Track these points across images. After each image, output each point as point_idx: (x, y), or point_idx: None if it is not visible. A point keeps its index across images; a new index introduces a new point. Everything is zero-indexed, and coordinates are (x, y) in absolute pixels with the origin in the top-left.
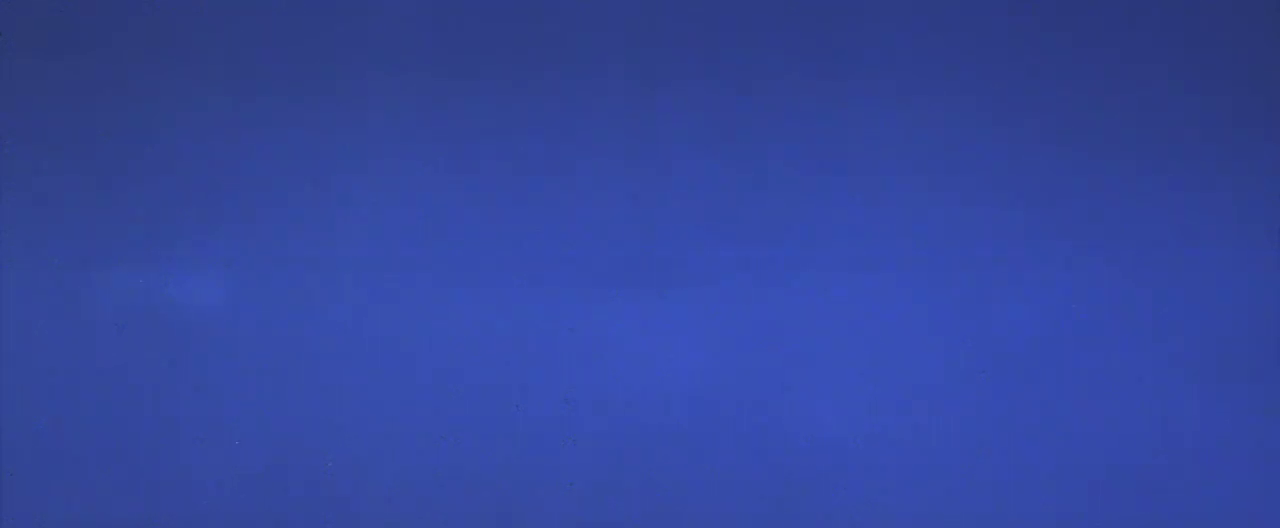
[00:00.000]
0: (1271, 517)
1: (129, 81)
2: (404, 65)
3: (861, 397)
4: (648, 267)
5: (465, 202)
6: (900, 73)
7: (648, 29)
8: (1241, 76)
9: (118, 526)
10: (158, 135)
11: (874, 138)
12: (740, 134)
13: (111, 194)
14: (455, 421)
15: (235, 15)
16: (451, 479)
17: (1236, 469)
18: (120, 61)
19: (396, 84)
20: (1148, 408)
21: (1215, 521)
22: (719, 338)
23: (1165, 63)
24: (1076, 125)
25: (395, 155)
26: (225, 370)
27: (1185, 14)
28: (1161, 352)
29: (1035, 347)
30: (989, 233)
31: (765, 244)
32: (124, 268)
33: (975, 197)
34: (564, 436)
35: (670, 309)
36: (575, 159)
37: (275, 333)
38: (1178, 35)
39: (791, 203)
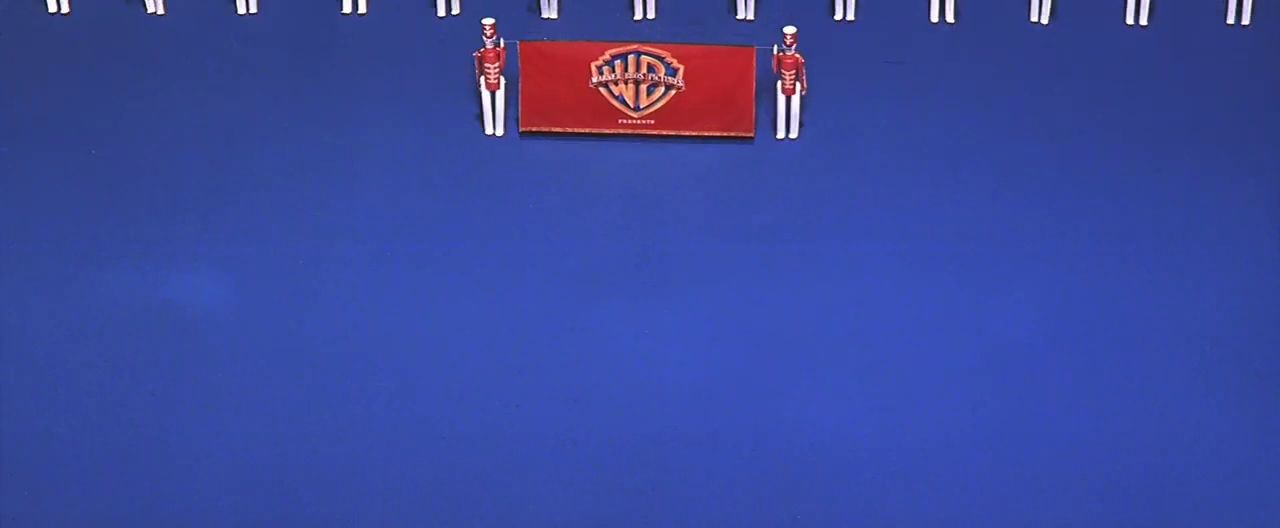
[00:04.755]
0: (1272, 517)
1: (130, 84)
2: (405, 68)
3: (861, 397)
4: (648, 267)
5: (466, 204)
6: (900, 73)
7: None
8: (1241, 81)
9: (118, 525)
10: (158, 137)
11: (873, 139)
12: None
13: (111, 194)
14: (456, 420)
15: (235, 19)
16: (452, 479)
17: (1237, 469)
18: (121, 65)
19: (397, 86)
20: (1148, 408)
21: (1216, 520)
22: (719, 338)
23: (1165, 66)
24: (1078, 129)
25: (395, 157)
26: (225, 370)
27: (1188, 18)
28: (1161, 352)
29: (1035, 347)
30: (989, 234)
31: (765, 245)
32: (124, 267)
33: (975, 199)
34: (564, 436)
35: (670, 310)
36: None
37: (275, 333)
38: (1179, 39)
39: (791, 205)
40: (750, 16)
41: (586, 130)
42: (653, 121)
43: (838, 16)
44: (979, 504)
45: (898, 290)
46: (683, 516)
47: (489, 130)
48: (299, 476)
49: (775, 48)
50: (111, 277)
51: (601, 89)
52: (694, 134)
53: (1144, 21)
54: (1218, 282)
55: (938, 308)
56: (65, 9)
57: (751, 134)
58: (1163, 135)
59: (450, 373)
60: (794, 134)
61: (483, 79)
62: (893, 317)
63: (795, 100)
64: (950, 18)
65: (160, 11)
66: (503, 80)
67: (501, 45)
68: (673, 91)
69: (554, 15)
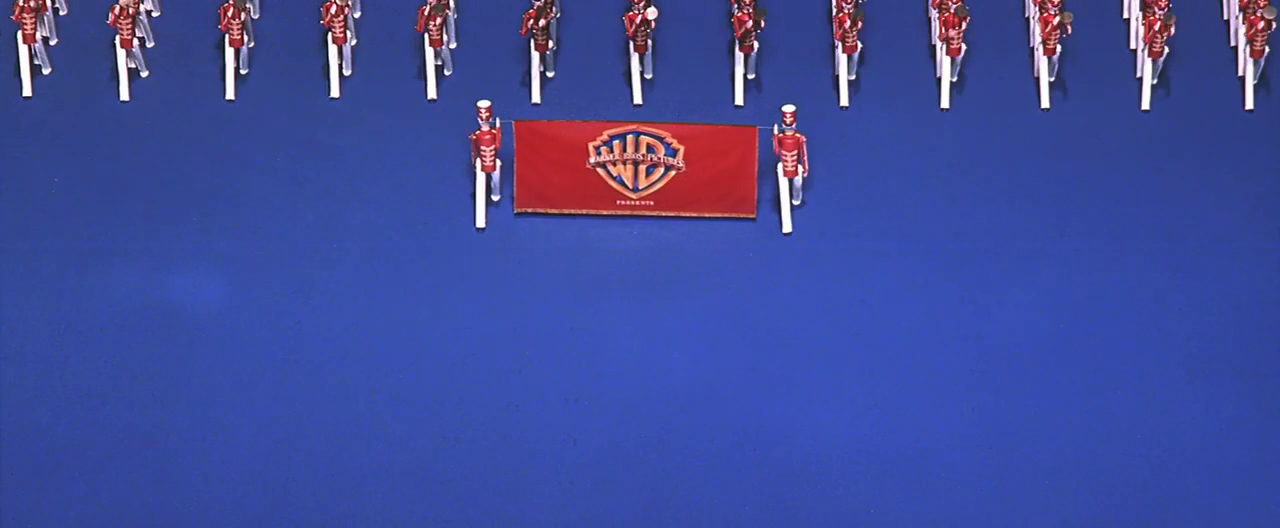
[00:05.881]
0: (1272, 517)
1: (132, 85)
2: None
3: (861, 397)
4: (648, 268)
5: (466, 203)
6: (900, 72)
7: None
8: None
9: (118, 525)
10: (158, 136)
11: (873, 137)
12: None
13: (112, 194)
14: (456, 421)
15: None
16: (453, 479)
17: (1236, 469)
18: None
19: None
20: (1147, 408)
21: (1214, 520)
22: (719, 339)
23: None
24: (1077, 127)
25: (395, 156)
26: (224, 370)
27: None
28: (1161, 352)
29: (1035, 348)
30: (989, 233)
31: (765, 246)
32: (124, 267)
33: (976, 198)
34: (564, 436)
35: (670, 310)
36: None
37: (275, 333)
38: (1180, 34)
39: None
40: (739, 103)
41: (584, 212)
42: (652, 203)
43: (844, 103)
44: (979, 504)
45: (897, 291)
46: (683, 516)
47: (483, 214)
48: (299, 475)
49: (775, 128)
50: (111, 277)
51: (599, 170)
52: (694, 215)
53: (1145, 107)
54: (1217, 282)
55: (937, 309)
56: (28, 92)
57: (753, 215)
58: (1162, 136)
59: (450, 373)
60: (792, 219)
61: (478, 162)
62: (892, 317)
63: (798, 182)
64: (946, 103)
65: (126, 98)
66: (499, 163)
67: (497, 127)
68: (673, 172)
69: (539, 100)
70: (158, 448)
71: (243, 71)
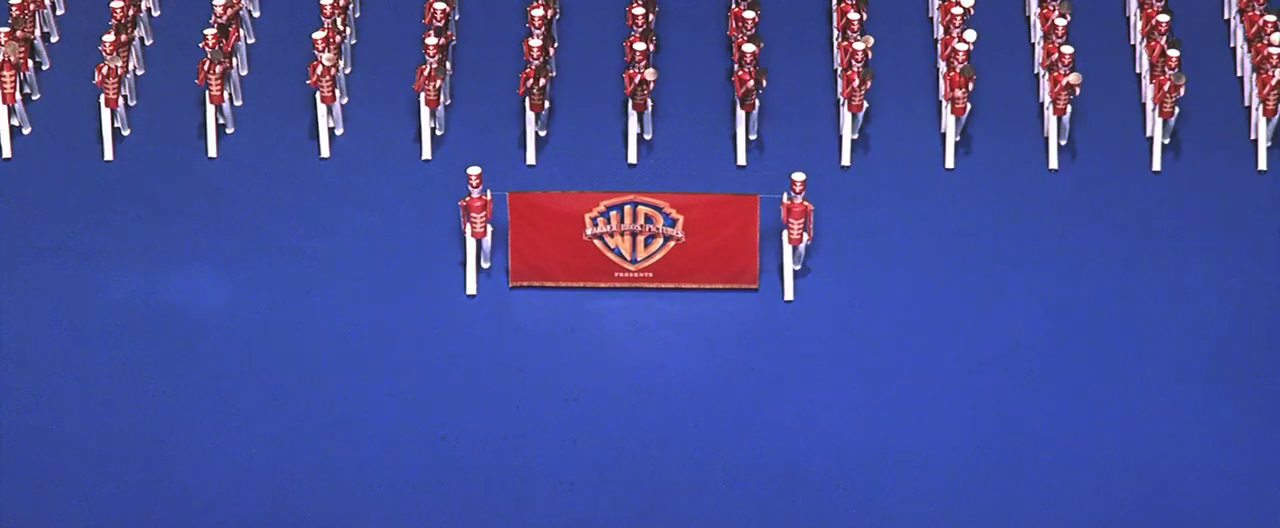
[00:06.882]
0: (1272, 517)
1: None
2: (403, 68)
3: (861, 397)
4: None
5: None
6: (903, 68)
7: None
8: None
9: (118, 526)
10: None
11: (874, 135)
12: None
13: (111, 194)
14: (455, 420)
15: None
16: (452, 479)
17: (1237, 469)
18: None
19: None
20: (1149, 409)
21: (1217, 520)
22: (719, 338)
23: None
24: (1077, 126)
25: (394, 157)
26: (225, 370)
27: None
28: (1162, 353)
29: (1035, 349)
30: (989, 234)
31: (766, 246)
32: (125, 267)
33: (975, 197)
34: (564, 436)
35: (670, 310)
36: (577, 152)
37: (275, 333)
38: (1183, 31)
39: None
40: (742, 163)
41: (580, 284)
42: (651, 274)
43: (845, 162)
44: (980, 505)
45: (898, 290)
46: (682, 516)
47: (474, 284)
48: (299, 475)
49: (784, 196)
50: (111, 277)
51: (596, 241)
52: (695, 287)
53: (1156, 168)
54: (1218, 282)
55: (938, 309)
56: (8, 154)
57: (756, 286)
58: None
59: (449, 373)
60: (792, 289)
61: (468, 228)
62: (893, 317)
63: (802, 250)
64: (951, 162)
65: (109, 158)
66: (490, 230)
67: (489, 196)
68: (672, 243)
69: (534, 162)
70: (157, 448)
71: (230, 130)
